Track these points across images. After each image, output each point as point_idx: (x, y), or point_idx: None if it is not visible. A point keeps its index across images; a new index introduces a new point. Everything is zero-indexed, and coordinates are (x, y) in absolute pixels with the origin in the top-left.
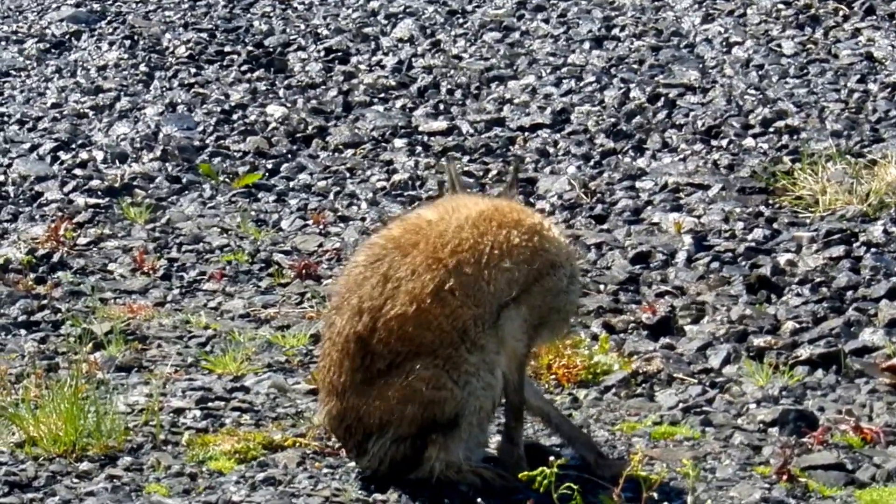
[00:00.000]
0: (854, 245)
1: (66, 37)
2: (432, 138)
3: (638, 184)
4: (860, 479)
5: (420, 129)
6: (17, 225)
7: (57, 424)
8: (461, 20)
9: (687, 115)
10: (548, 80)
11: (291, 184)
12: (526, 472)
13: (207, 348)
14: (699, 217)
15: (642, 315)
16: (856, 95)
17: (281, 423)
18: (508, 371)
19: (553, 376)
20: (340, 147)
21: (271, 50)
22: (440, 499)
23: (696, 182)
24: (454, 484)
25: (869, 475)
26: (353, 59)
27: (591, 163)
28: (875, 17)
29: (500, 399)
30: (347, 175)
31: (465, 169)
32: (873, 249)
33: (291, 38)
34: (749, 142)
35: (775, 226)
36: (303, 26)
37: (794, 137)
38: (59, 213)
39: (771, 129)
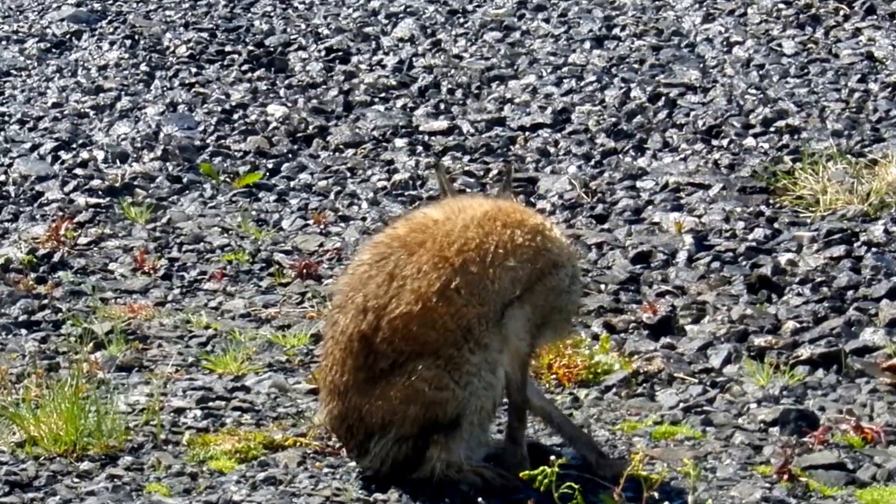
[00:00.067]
0: (855, 245)
1: (67, 36)
2: (433, 138)
3: (639, 183)
4: (861, 479)
5: (421, 128)
6: (17, 224)
7: (58, 424)
8: (462, 20)
9: (688, 115)
10: (548, 80)
11: (292, 183)
12: (527, 472)
13: (208, 348)
14: (700, 217)
15: (643, 315)
16: (856, 95)
17: (282, 422)
18: (511, 370)
19: (554, 376)
20: (341, 147)
21: (272, 49)
22: (441, 498)
23: (697, 182)
24: (455, 483)
25: (870, 475)
26: (354, 59)
27: (592, 162)
28: (876, 17)
29: (501, 399)
30: (348, 175)
31: (466, 168)
32: (874, 249)
33: (292, 37)
34: (750, 141)
35: (776, 225)
36: (303, 26)
37: (795, 137)
38: (60, 213)
39: (772, 129)
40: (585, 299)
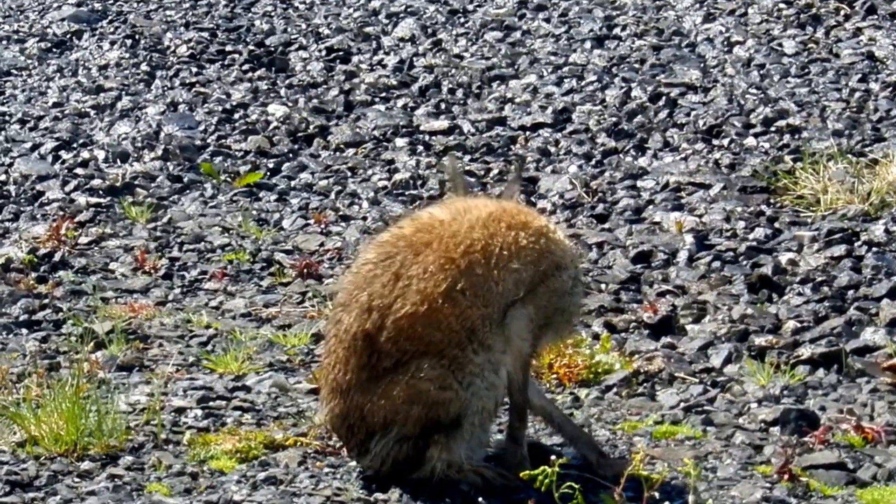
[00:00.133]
0: (855, 244)
1: (68, 36)
2: (433, 137)
3: (639, 183)
4: (861, 479)
5: (421, 128)
6: (18, 224)
7: (58, 424)
8: (462, 19)
9: (688, 115)
10: (549, 80)
11: (293, 183)
12: (527, 472)
13: (209, 347)
14: (700, 216)
15: (643, 314)
16: (857, 95)
17: (282, 422)
18: (513, 370)
19: (554, 376)
20: (342, 146)
21: (272, 49)
22: (441, 498)
23: (698, 181)
24: (455, 483)
25: (870, 474)
26: (355, 59)
27: (593, 162)
28: (876, 17)
29: (502, 399)
30: (349, 174)
31: (467, 168)
32: (874, 249)
33: (293, 37)
34: (750, 141)
35: (777, 225)
36: (304, 26)
37: (796, 137)
38: (61, 213)
39: (772, 129)
40: (586, 299)
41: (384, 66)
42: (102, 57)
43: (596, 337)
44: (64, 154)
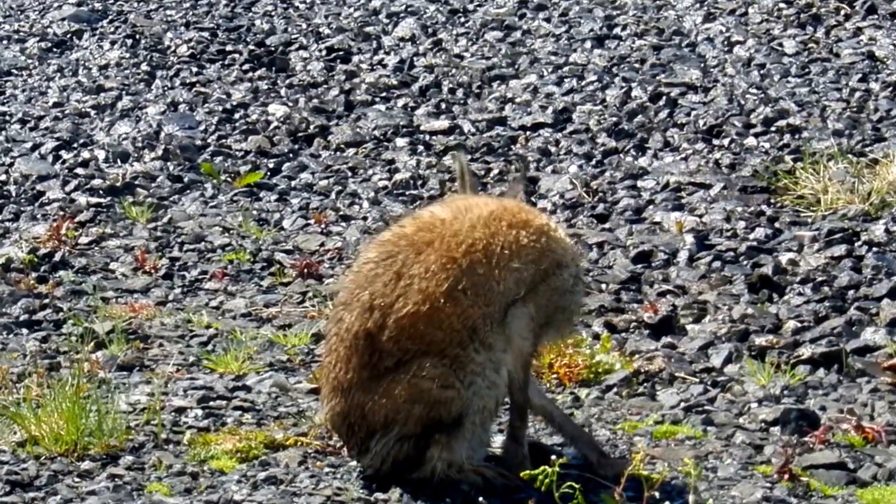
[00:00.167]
0: (856, 244)
1: (68, 36)
2: (434, 137)
3: (639, 183)
4: (862, 479)
5: (422, 128)
6: (18, 224)
7: (58, 423)
8: (462, 19)
9: (688, 115)
10: (549, 80)
11: (293, 183)
12: (528, 471)
13: (209, 347)
14: (701, 216)
15: (644, 314)
16: (857, 94)
17: (282, 422)
18: (514, 370)
19: (555, 375)
20: (342, 146)
21: (273, 49)
22: (442, 498)
23: (698, 181)
24: (456, 483)
25: (870, 474)
26: (355, 59)
27: (593, 162)
28: (876, 17)
29: (503, 398)
30: (349, 174)
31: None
32: (875, 249)
33: (293, 37)
34: (751, 141)
35: (777, 225)
36: (304, 25)
37: (796, 136)
38: (61, 213)
39: (772, 129)
40: (587, 299)
41: (384, 66)
42: (103, 57)
43: (596, 337)
44: (64, 154)
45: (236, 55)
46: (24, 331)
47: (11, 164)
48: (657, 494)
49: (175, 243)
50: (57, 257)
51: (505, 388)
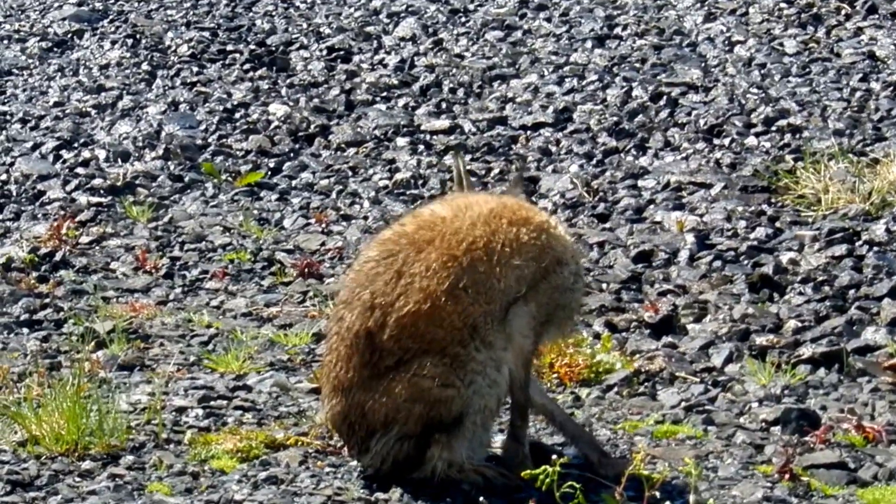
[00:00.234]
0: (856, 244)
1: (69, 35)
2: (434, 137)
3: (640, 182)
4: (862, 478)
5: (422, 127)
6: (19, 224)
7: (59, 423)
8: (463, 19)
9: (689, 114)
10: (550, 79)
11: (294, 182)
12: (528, 471)
13: (210, 347)
14: (701, 216)
15: (644, 314)
16: (858, 94)
17: (283, 421)
18: (514, 368)
19: (555, 375)
20: (343, 146)
21: (273, 49)
22: (443, 498)
23: (699, 181)
24: (457, 483)
25: (871, 474)
26: (356, 58)
27: (594, 161)
28: (877, 16)
29: (504, 397)
30: (350, 174)
31: (468, 168)
32: (875, 248)
33: (294, 36)
34: (751, 140)
35: (777, 224)
36: (305, 25)
37: (797, 136)
38: (62, 212)
39: (773, 128)
40: (587, 298)
41: (385, 66)
42: (103, 56)
43: (597, 336)
44: (65, 153)
45: (237, 55)
46: (25, 330)
47: (12, 164)
48: (658, 494)
49: (176, 243)
50: (58, 257)
51: (506, 387)
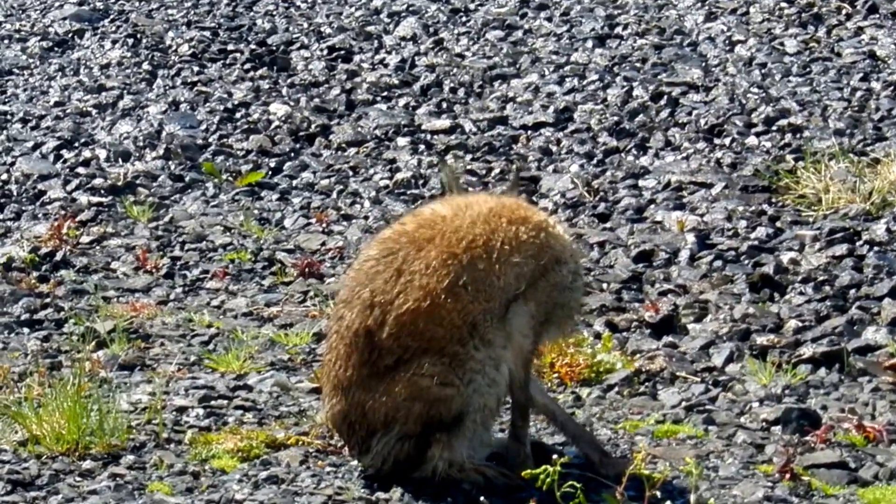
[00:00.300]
0: (857, 243)
1: (69, 35)
2: (435, 137)
3: (641, 182)
4: (863, 478)
5: (423, 127)
6: (20, 223)
7: (60, 423)
8: (464, 18)
9: (690, 114)
10: (551, 79)
11: (294, 182)
12: (529, 471)
13: (210, 347)
14: (702, 215)
15: (645, 313)
16: (859, 94)
17: (284, 421)
18: (514, 368)
19: (556, 375)
20: (343, 145)
21: (274, 48)
22: (443, 497)
23: (699, 180)
24: (457, 482)
25: (872, 474)
26: (356, 58)
27: (594, 161)
28: (878, 16)
29: (504, 397)
30: (350, 173)
31: (468, 167)
32: (876, 248)
33: (294, 36)
34: (752, 140)
35: (778, 224)
36: (306, 25)
37: (797, 136)
38: (62, 212)
39: (774, 128)
40: (588, 298)
41: (386, 66)
42: (104, 56)
43: (598, 336)
44: (65, 153)
45: (238, 54)
46: (26, 330)
47: (13, 164)
48: (658, 494)
49: (176, 242)
50: (58, 256)
51: (506, 386)
